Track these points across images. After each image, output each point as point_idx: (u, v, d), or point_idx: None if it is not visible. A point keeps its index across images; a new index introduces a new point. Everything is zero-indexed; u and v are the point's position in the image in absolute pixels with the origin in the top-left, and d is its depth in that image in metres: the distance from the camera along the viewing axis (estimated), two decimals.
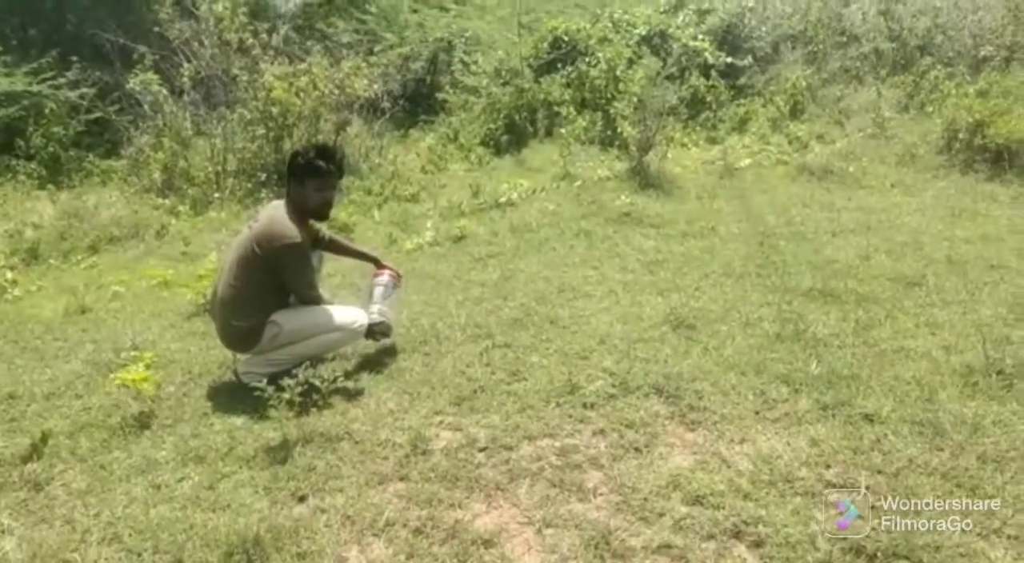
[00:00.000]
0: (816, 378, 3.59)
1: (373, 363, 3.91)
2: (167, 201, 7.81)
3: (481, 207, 7.11)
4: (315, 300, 3.60)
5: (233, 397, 3.57)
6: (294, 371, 3.29)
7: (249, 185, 8.22)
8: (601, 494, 2.81)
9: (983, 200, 7.02)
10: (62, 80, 10.20)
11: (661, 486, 2.80)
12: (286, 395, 3.13)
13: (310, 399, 3.33)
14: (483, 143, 10.06)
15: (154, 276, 5.31)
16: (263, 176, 8.33)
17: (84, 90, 10.24)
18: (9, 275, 5.35)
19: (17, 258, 5.76)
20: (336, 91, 8.49)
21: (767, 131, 10.28)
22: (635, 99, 8.95)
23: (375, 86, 8.97)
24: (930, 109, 11.25)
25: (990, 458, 2.94)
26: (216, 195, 8.06)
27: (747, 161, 8.69)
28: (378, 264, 4.12)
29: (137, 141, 8.79)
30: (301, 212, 3.58)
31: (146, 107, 8.97)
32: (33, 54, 11.06)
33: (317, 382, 3.25)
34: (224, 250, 5.42)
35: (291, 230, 3.45)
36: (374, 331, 3.80)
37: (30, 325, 4.59)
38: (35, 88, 10.09)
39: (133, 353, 3.93)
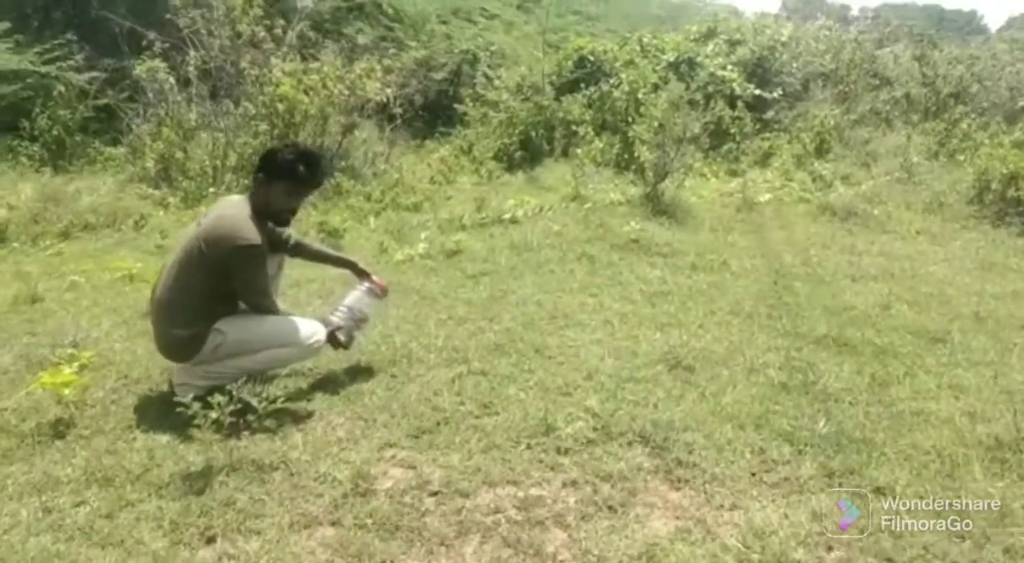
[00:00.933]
0: (823, 438, 3.17)
1: (331, 382, 3.52)
2: (159, 192, 7.49)
3: (483, 222, 6.73)
4: (268, 309, 3.22)
5: (166, 409, 3.17)
6: (232, 386, 2.90)
7: (247, 182, 7.87)
8: (562, 561, 2.39)
9: (1015, 255, 6.57)
10: (71, 63, 9.95)
11: (632, 557, 2.38)
12: (213, 414, 2.74)
13: (245, 420, 2.94)
14: (496, 157, 9.73)
15: (119, 268, 4.97)
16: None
17: (94, 74, 10.00)
18: None
19: None
20: (346, 92, 8.18)
21: (791, 167, 9.89)
22: (655, 124, 8.58)
23: (387, 90, 8.65)
24: (961, 158, 10.86)
25: (1019, 553, 2.50)
26: (211, 190, 7.73)
27: (767, 196, 8.29)
28: (357, 271, 3.73)
29: (137, 129, 8.50)
30: (260, 212, 3.21)
31: (151, 95, 8.69)
32: (48, 35, 10.88)
33: (253, 401, 2.85)
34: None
35: (248, 229, 3.08)
36: (333, 336, 3.41)
37: None
38: (43, 68, 9.85)
39: (71, 351, 3.58)
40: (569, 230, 6.53)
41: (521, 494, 2.74)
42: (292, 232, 3.56)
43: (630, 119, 9.91)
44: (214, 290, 3.09)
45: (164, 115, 8.43)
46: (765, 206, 7.96)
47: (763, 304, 4.91)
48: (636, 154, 8.70)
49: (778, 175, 9.56)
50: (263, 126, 8.16)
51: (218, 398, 2.77)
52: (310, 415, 3.21)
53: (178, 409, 2.79)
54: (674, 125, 7.75)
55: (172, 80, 8.53)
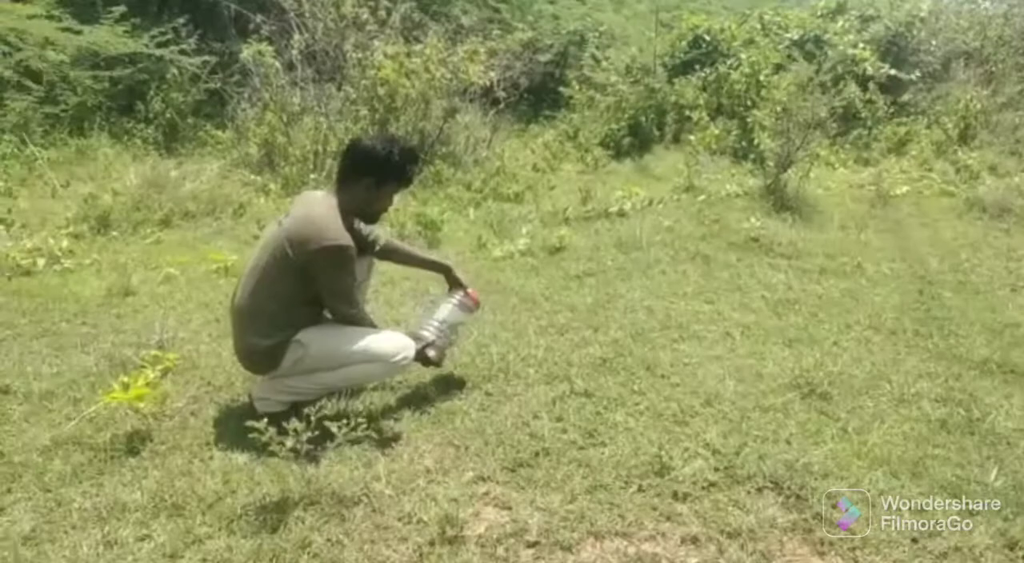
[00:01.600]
0: (997, 494, 2.64)
1: (420, 398, 3.21)
2: (260, 178, 7.40)
3: (588, 215, 6.32)
4: (354, 319, 2.93)
5: (246, 424, 2.94)
6: (309, 407, 2.63)
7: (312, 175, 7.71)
8: None
9: None
10: (183, 47, 10.06)
11: None
12: (289, 442, 2.46)
13: (323, 446, 2.65)
14: (602, 144, 9.25)
15: (216, 260, 4.82)
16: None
17: (205, 58, 10.07)
18: (65, 243, 4.96)
19: (86, 226, 5.39)
20: (448, 76, 7.88)
21: (930, 156, 9.01)
22: (778, 108, 7.92)
23: (491, 73, 8.30)
24: None
25: None
26: (312, 176, 7.58)
27: (905, 188, 7.53)
28: (450, 278, 3.41)
29: (242, 113, 8.47)
30: (353, 211, 2.93)
31: (256, 79, 8.64)
32: (164, 20, 11.05)
33: (333, 427, 2.56)
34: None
35: (337, 230, 2.79)
36: (423, 353, 3.09)
37: (64, 304, 4.15)
38: (157, 52, 9.99)
39: (155, 353, 3.39)
40: (682, 226, 6.04)
41: (632, 550, 2.35)
42: (380, 232, 3.25)
43: (749, 103, 9.23)
44: (296, 296, 2.82)
45: (269, 99, 8.35)
46: (902, 200, 7.22)
47: (908, 318, 4.32)
48: (756, 141, 8.09)
49: (915, 164, 8.72)
50: (363, 111, 7.96)
51: (294, 424, 2.49)
52: (396, 438, 2.91)
53: (250, 434, 2.52)
54: (800, 109, 7.09)
55: (277, 64, 8.43)
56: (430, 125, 8.08)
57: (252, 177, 7.36)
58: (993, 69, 12.04)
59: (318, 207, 2.85)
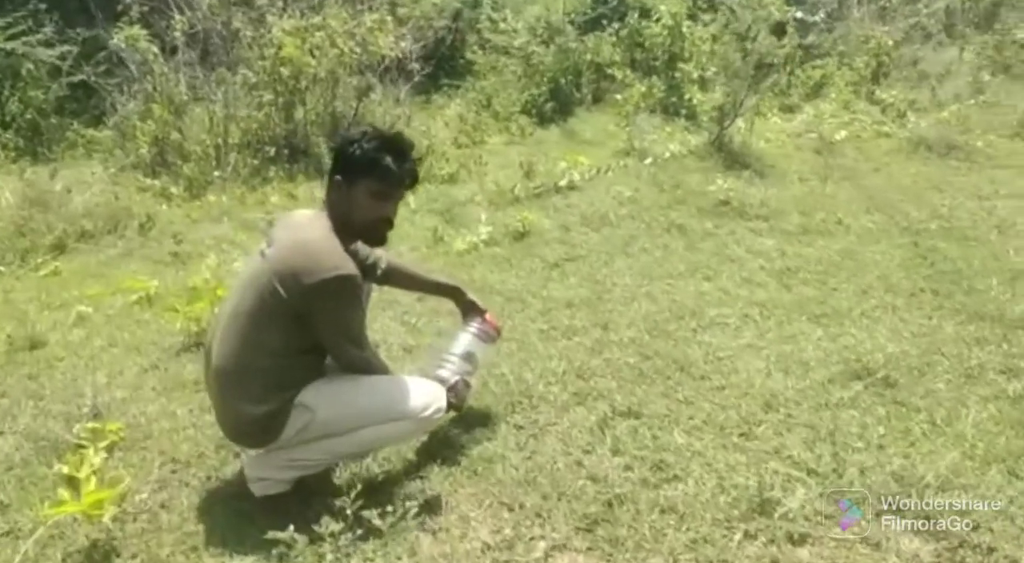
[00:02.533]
0: None
1: (441, 443, 2.64)
2: (157, 181, 6.50)
3: (538, 192, 5.80)
4: (365, 365, 2.33)
5: (238, 513, 2.33)
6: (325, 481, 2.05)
7: (255, 162, 6.90)
8: None
9: None
10: (39, 36, 8.82)
11: None
12: (328, 552, 1.88)
13: (359, 526, 2.07)
14: (524, 111, 8.70)
15: (133, 289, 4.05)
16: (271, 151, 7.02)
17: (65, 49, 8.87)
18: None
19: None
20: (357, 50, 7.14)
21: (850, 97, 8.93)
22: (703, 60, 7.60)
23: (402, 45, 7.60)
24: (1017, 72, 9.95)
25: None
26: (216, 174, 6.74)
27: (843, 133, 7.36)
28: (463, 301, 2.83)
29: (123, 108, 7.47)
30: (352, 231, 2.32)
31: (133, 68, 7.61)
32: (8, 8, 9.69)
33: (377, 520, 1.99)
34: (225, 274, 4.17)
35: (336, 256, 2.16)
36: (448, 400, 2.52)
37: None
38: (7, 45, 8.72)
39: (92, 425, 2.69)
40: (642, 194, 5.61)
41: None
42: (380, 251, 2.63)
43: (669, 57, 8.87)
44: (294, 347, 2.20)
45: (152, 90, 7.38)
46: (845, 145, 7.04)
47: (918, 276, 4.05)
48: (688, 97, 7.75)
49: (838, 107, 8.61)
50: (267, 95, 7.14)
51: (330, 526, 1.90)
52: (434, 505, 2.35)
53: (275, 548, 1.91)
54: (739, 60, 6.76)
55: (156, 49, 7.44)
56: (342, 106, 7.35)
57: (148, 181, 6.45)
58: (886, 4, 12.19)
59: (309, 230, 2.22)
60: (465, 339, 2.70)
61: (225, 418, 2.27)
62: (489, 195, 5.79)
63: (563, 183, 5.92)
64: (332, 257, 2.15)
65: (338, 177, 2.27)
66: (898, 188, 5.69)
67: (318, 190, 6.30)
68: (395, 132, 2.43)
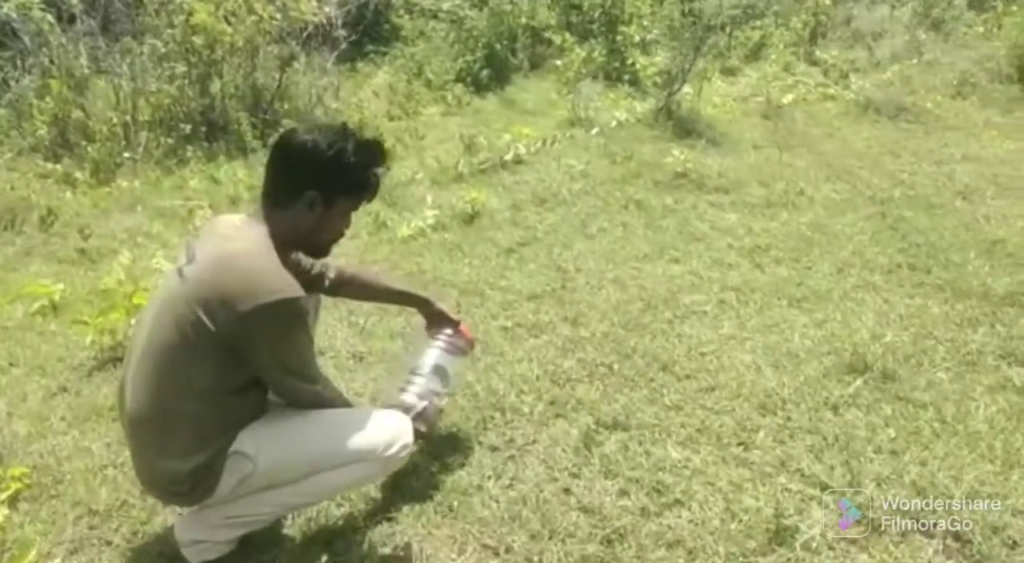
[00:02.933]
0: None
1: (408, 474, 2.30)
2: (59, 166, 5.87)
3: (483, 168, 5.42)
4: (316, 401, 1.94)
5: None
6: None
7: (170, 140, 6.31)
8: None
9: None
10: None
11: None
12: None
13: None
14: (459, 79, 8.25)
15: (35, 294, 3.55)
16: (187, 128, 6.43)
17: None
18: None
19: None
20: (277, 16, 6.57)
21: (790, 59, 8.76)
22: (644, 22, 7.29)
23: (326, 10, 7.06)
24: (948, 29, 9.98)
25: None
26: (126, 155, 6.14)
27: (790, 97, 7.16)
28: (430, 311, 2.45)
29: (17, 85, 6.74)
30: (294, 242, 1.92)
31: (26, 40, 6.87)
32: None
33: None
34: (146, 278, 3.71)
35: (275, 274, 1.76)
36: (416, 428, 2.16)
37: None
38: None
39: None
40: (594, 168, 5.30)
41: None
42: (330, 259, 2.23)
43: (607, 19, 8.50)
44: (228, 386, 1.80)
45: (49, 63, 6.67)
46: (793, 109, 6.84)
47: (892, 250, 3.87)
48: (630, 61, 7.45)
49: (779, 69, 8.43)
50: (179, 67, 6.53)
51: None
52: (404, 553, 2.02)
53: None
54: (685, 23, 6.48)
55: (51, 18, 6.72)
56: (264, 77, 6.78)
57: (49, 166, 5.81)
58: None
59: (239, 243, 1.80)
60: (432, 354, 2.34)
61: (145, 473, 1.87)
62: (431, 172, 5.39)
63: (509, 157, 5.56)
64: (270, 277, 1.75)
65: (312, 192, 1.84)
66: (854, 154, 5.52)
67: (242, 170, 5.80)
68: (374, 138, 2.00)
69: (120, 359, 3.06)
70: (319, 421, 1.91)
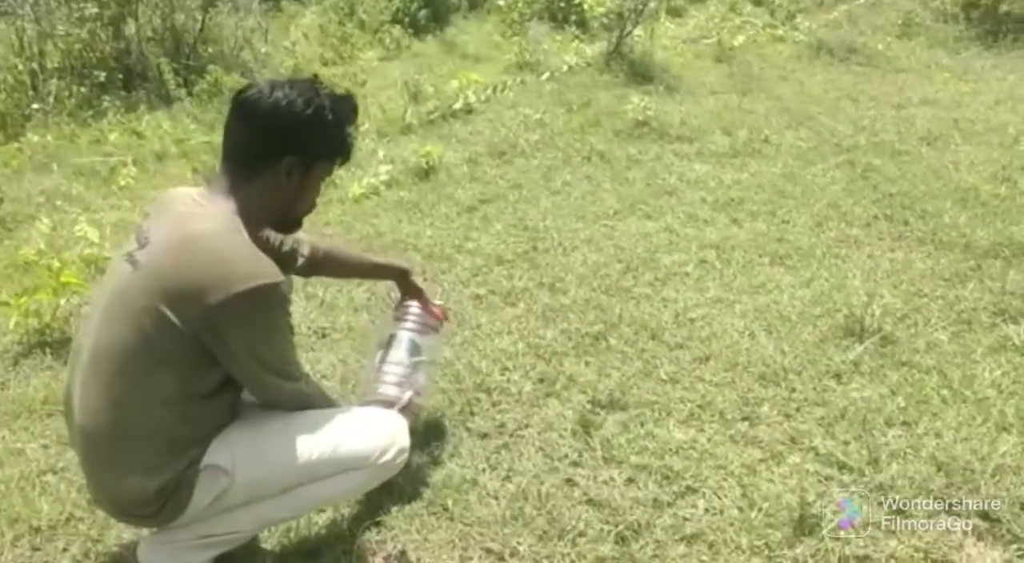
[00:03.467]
0: None
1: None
2: None
3: (432, 118, 5.11)
4: (299, 401, 1.70)
5: None
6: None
7: (83, 90, 5.76)
8: None
9: None
10: None
11: None
12: None
13: None
14: (396, 20, 7.79)
15: None
16: (101, 76, 5.88)
17: None
18: None
19: None
20: None
21: None
22: None
23: None
24: None
25: None
26: (34, 106, 5.60)
27: (740, 39, 6.97)
28: (405, 284, 2.19)
29: None
30: (266, 216, 1.64)
31: None
32: None
33: None
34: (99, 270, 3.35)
35: (248, 256, 1.50)
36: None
37: None
38: None
39: None
40: (550, 117, 5.04)
41: None
42: (302, 235, 1.94)
43: None
44: (197, 390, 1.53)
45: None
46: (745, 52, 6.66)
47: (867, 201, 3.77)
48: (576, 1, 7.13)
49: (726, 9, 8.21)
50: (89, 8, 5.94)
51: None
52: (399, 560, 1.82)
53: None
54: None
55: None
56: (184, 18, 6.25)
57: None
58: None
59: (201, 221, 1.51)
60: (403, 339, 2.09)
61: (104, 493, 1.60)
62: (377, 124, 5.05)
63: (458, 106, 5.25)
64: (242, 260, 1.48)
65: (291, 158, 1.56)
66: (812, 98, 5.40)
67: (166, 122, 5.34)
68: (346, 91, 1.71)
69: (50, 344, 2.75)
70: (303, 426, 1.67)
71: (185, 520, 1.61)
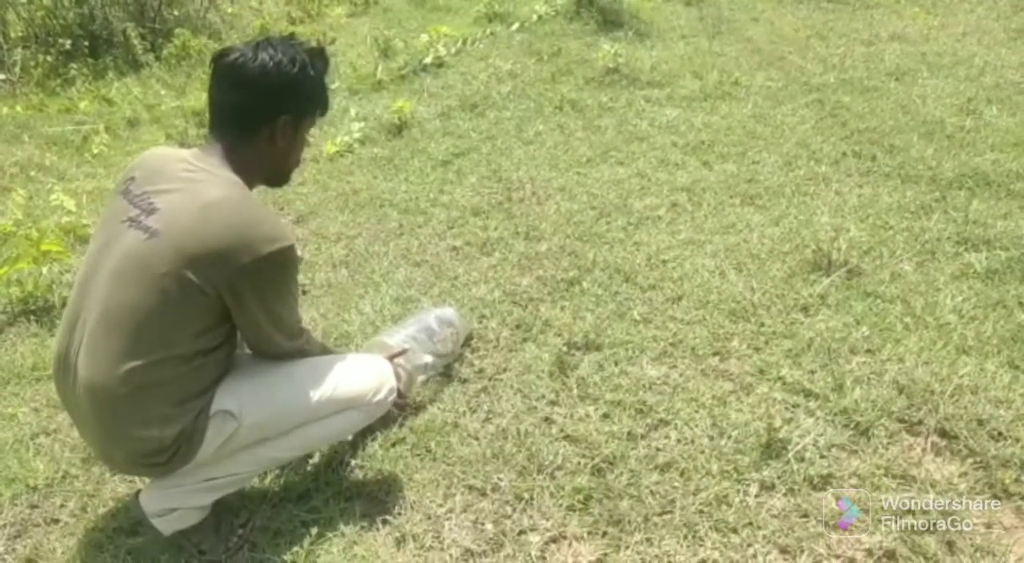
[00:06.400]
0: None
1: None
2: None
3: (403, 73, 5.09)
4: (298, 352, 1.77)
5: (138, 558, 1.79)
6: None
7: (50, 59, 5.71)
8: None
9: None
10: None
11: None
12: None
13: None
14: None
15: None
16: (67, 43, 5.81)
17: None
18: None
19: None
20: None
21: None
22: None
23: None
24: None
25: None
26: (1, 77, 5.55)
27: None
28: None
29: None
30: (261, 175, 1.72)
31: None
32: None
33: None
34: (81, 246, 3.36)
35: (269, 220, 1.59)
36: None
37: None
38: None
39: None
40: (521, 67, 5.03)
41: None
42: None
43: None
44: (207, 344, 1.59)
45: None
46: None
47: (836, 138, 3.81)
48: None
49: None
50: None
51: None
52: (389, 497, 1.89)
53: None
54: None
55: None
56: None
57: None
58: None
59: (214, 188, 1.55)
60: (430, 319, 2.22)
61: (115, 448, 1.64)
62: (347, 81, 5.03)
63: (429, 60, 5.23)
64: (265, 224, 1.56)
65: (286, 116, 1.64)
66: (783, 39, 5.40)
67: (136, 87, 5.30)
68: (317, 43, 1.76)
69: (34, 312, 2.78)
70: (302, 371, 1.76)
71: (192, 466, 1.67)
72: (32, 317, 2.75)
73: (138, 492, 1.76)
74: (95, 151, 4.31)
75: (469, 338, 2.44)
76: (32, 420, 2.27)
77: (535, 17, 6.11)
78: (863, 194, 3.25)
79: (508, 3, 6.37)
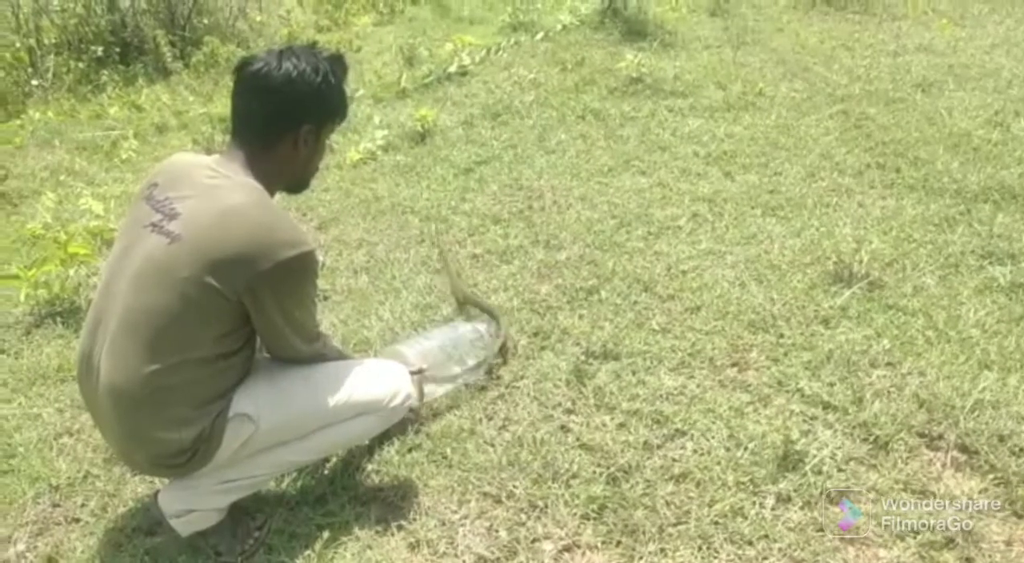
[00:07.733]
0: None
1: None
2: None
3: (428, 82, 5.12)
4: (316, 356, 1.80)
5: (156, 558, 1.81)
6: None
7: (81, 65, 5.81)
8: None
9: None
10: None
11: None
12: None
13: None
14: None
15: None
16: (98, 50, 5.91)
17: None
18: None
19: None
20: None
21: None
22: None
23: None
24: None
25: None
26: (34, 83, 5.66)
27: None
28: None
29: None
30: (283, 183, 1.76)
31: None
32: None
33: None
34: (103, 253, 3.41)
35: (290, 226, 1.62)
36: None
37: None
38: None
39: None
40: (544, 76, 5.04)
41: None
42: None
43: None
44: (227, 347, 1.63)
45: None
46: (739, 5, 6.58)
47: (859, 149, 3.79)
48: None
49: None
50: None
51: None
52: (405, 503, 1.91)
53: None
54: None
55: None
56: None
57: None
58: None
59: (236, 194, 1.59)
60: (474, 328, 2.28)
61: (135, 449, 1.67)
62: (372, 89, 5.07)
63: (453, 69, 5.26)
64: (285, 229, 1.59)
65: (308, 125, 1.67)
66: (807, 49, 5.37)
67: (165, 94, 5.38)
68: (336, 50, 1.81)
69: (60, 313, 2.83)
70: (319, 376, 1.79)
71: (211, 468, 1.70)
72: (59, 319, 2.79)
73: (157, 493, 1.79)
74: (124, 156, 4.38)
75: (504, 350, 2.43)
76: (56, 420, 2.31)
77: (559, 27, 6.12)
78: (886, 206, 3.23)
79: (533, 13, 6.39)
